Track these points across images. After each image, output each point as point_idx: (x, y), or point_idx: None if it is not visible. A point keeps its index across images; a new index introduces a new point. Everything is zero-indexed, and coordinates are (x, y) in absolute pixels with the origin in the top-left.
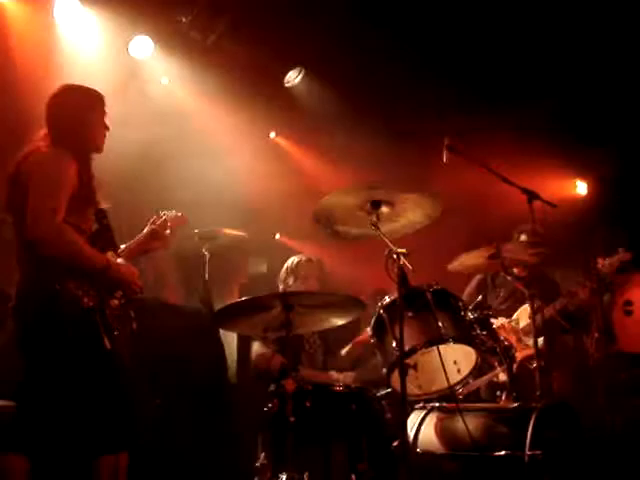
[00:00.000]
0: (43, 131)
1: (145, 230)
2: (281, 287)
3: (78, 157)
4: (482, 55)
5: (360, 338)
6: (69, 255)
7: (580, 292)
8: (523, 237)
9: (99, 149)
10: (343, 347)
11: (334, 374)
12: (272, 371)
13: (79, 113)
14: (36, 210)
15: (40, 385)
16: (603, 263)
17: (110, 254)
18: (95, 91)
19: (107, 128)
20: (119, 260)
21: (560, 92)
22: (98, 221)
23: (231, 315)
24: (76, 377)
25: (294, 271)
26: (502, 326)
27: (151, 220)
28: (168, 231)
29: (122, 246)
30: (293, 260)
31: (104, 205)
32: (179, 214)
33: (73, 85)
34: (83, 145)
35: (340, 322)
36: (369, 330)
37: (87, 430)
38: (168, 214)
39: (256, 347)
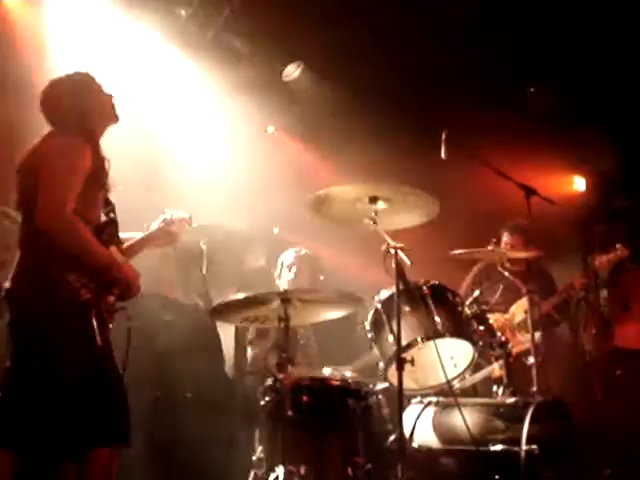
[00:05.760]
0: (50, 129)
1: (155, 226)
2: (276, 278)
3: (90, 140)
4: (480, 51)
5: None
6: (77, 248)
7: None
8: (506, 236)
9: (113, 119)
10: (337, 341)
11: (328, 370)
12: (269, 368)
13: (76, 99)
14: (47, 200)
15: (28, 375)
16: (600, 259)
17: (113, 249)
18: (80, 73)
19: (111, 95)
20: (123, 258)
21: (558, 86)
22: (106, 214)
23: (229, 309)
24: (65, 370)
25: (287, 263)
26: (497, 321)
27: (161, 217)
28: (175, 229)
29: (125, 234)
30: (287, 252)
31: (116, 187)
32: (186, 215)
33: (58, 77)
34: (93, 126)
35: (336, 315)
36: (367, 325)
37: (74, 423)
38: (176, 213)
39: (251, 351)
